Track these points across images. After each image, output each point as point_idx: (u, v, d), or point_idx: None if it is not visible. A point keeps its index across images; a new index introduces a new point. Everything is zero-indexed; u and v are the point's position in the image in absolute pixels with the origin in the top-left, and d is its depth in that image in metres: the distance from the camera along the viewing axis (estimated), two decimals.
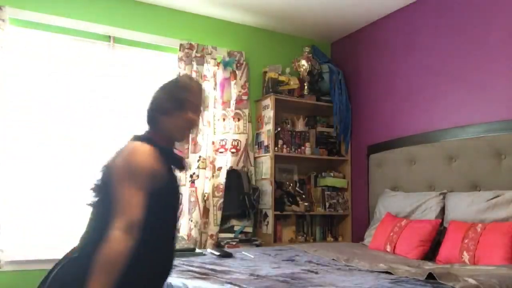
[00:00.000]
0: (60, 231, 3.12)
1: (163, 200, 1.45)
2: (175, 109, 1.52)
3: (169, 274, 1.54)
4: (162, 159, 1.45)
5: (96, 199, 1.47)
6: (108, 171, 1.45)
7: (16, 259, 2.95)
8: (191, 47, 3.59)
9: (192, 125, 1.58)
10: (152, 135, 1.54)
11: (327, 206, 3.91)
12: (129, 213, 1.32)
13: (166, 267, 1.52)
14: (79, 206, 3.22)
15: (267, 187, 3.63)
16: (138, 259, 1.34)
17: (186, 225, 3.40)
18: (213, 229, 3.46)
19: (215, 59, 3.70)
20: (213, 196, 3.52)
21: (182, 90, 1.56)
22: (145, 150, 1.43)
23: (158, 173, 1.41)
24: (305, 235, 3.91)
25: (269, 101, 3.76)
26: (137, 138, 1.53)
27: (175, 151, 1.61)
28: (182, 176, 3.46)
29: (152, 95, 1.61)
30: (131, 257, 1.30)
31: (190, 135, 1.67)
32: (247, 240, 3.47)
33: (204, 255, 2.67)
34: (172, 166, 1.56)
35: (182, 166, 1.61)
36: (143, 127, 1.59)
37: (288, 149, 3.79)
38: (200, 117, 1.66)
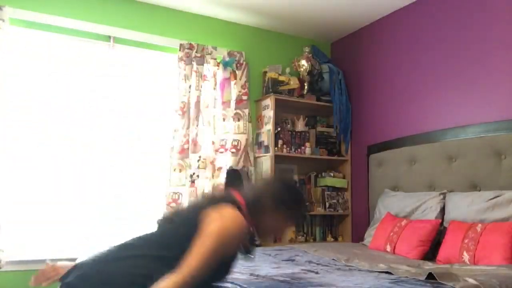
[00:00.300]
0: (60, 231, 3.12)
1: (225, 263, 1.50)
2: (286, 215, 1.61)
3: None
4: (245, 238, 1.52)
5: (168, 221, 1.55)
6: (199, 216, 1.46)
7: (16, 259, 2.95)
8: (191, 47, 3.59)
9: (280, 233, 1.69)
10: (249, 212, 1.55)
11: (327, 206, 3.91)
12: (194, 271, 1.34)
13: None
14: (79, 206, 3.22)
15: None
16: None
17: None
18: None
19: (215, 59, 3.70)
20: None
21: (302, 205, 1.66)
22: (243, 225, 1.46)
23: (238, 248, 1.50)
24: (305, 235, 3.91)
25: (269, 101, 3.76)
26: (238, 207, 1.53)
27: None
28: (182, 176, 3.46)
29: (273, 182, 1.69)
30: None
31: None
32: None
33: None
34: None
35: (250, 252, 1.67)
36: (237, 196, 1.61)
37: (288, 149, 3.79)
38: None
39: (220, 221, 1.41)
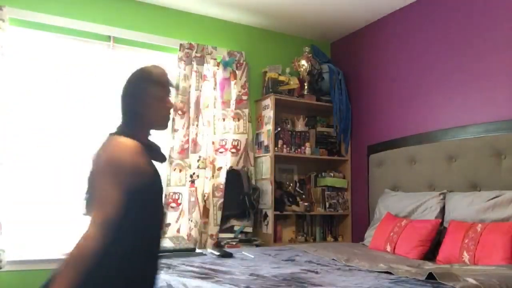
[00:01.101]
0: (61, 231, 3.12)
1: (147, 199, 1.44)
2: (155, 100, 1.55)
3: (153, 279, 1.47)
4: (145, 155, 1.46)
5: (88, 195, 1.47)
6: (93, 166, 1.45)
7: (17, 259, 2.95)
8: (191, 47, 3.59)
9: (171, 110, 1.63)
10: (133, 129, 1.53)
11: (327, 206, 3.92)
12: (105, 210, 1.32)
13: (149, 271, 1.46)
14: (80, 206, 3.21)
15: (267, 187, 3.63)
16: (118, 259, 1.33)
17: (186, 225, 3.40)
18: (213, 229, 3.46)
19: (215, 59, 3.70)
20: (213, 196, 3.52)
21: (157, 81, 1.57)
22: (130, 146, 1.42)
23: (142, 170, 1.41)
24: (305, 235, 3.91)
25: (269, 101, 3.76)
26: (120, 133, 1.51)
27: (152, 141, 1.62)
28: (182, 176, 3.46)
29: (124, 90, 1.61)
30: (109, 257, 1.30)
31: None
32: (247, 240, 3.47)
33: (204, 255, 2.67)
34: (153, 160, 1.55)
35: (163, 158, 1.62)
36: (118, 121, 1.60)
37: (288, 149, 3.79)
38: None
39: (105, 157, 1.40)
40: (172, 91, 1.66)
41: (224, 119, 3.70)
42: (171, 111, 1.63)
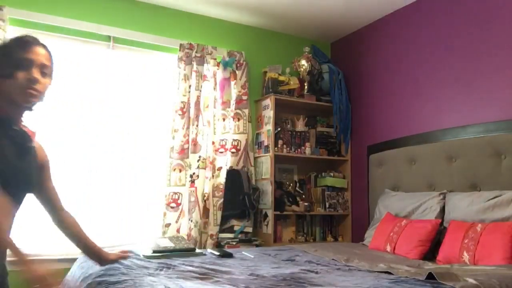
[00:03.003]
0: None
1: None
2: (14, 69, 1.41)
3: None
4: None
5: None
6: None
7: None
8: (191, 47, 3.59)
9: (38, 86, 1.46)
10: None
11: (327, 206, 3.92)
12: None
13: None
14: (79, 206, 3.22)
15: (267, 187, 3.63)
16: None
17: (186, 225, 3.40)
18: (213, 229, 3.46)
19: (215, 59, 3.70)
20: (213, 196, 3.52)
21: (21, 48, 1.48)
22: None
23: None
24: (305, 235, 3.91)
25: (269, 101, 3.76)
26: None
27: (23, 125, 1.51)
28: (182, 176, 3.46)
29: None
30: None
31: (36, 96, 1.54)
32: (247, 240, 3.47)
33: (204, 255, 2.67)
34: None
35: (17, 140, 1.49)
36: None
37: (288, 149, 3.79)
38: (50, 83, 1.58)
39: None
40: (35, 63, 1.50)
41: (224, 119, 3.70)
42: (31, 83, 1.45)
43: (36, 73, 1.44)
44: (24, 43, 1.49)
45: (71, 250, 3.07)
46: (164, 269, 2.09)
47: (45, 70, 1.50)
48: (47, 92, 1.53)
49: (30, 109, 1.52)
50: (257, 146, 3.85)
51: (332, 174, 4.03)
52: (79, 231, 1.74)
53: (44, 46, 1.55)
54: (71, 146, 3.26)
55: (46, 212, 1.74)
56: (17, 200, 1.50)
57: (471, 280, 1.73)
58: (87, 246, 1.73)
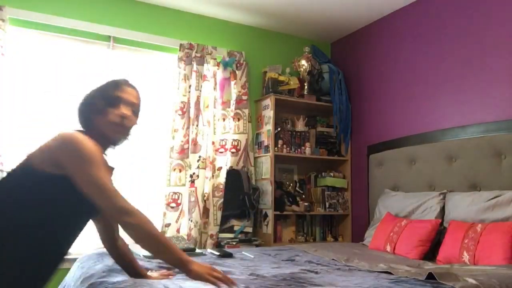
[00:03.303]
0: None
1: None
2: (107, 105, 1.53)
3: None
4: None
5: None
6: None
7: None
8: (191, 47, 3.59)
9: (124, 121, 1.56)
10: (87, 135, 1.50)
11: (327, 206, 3.92)
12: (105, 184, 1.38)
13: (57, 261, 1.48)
14: None
15: (267, 187, 3.64)
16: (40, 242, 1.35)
17: (186, 225, 3.40)
18: (213, 229, 3.46)
19: (215, 59, 3.70)
20: (213, 196, 3.52)
21: (114, 87, 1.57)
22: (87, 139, 1.44)
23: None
24: (305, 235, 3.91)
25: (269, 101, 3.76)
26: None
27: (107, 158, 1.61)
28: (182, 176, 3.46)
29: (84, 96, 1.61)
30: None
31: (127, 138, 1.68)
32: (247, 240, 3.47)
33: (204, 255, 2.67)
34: None
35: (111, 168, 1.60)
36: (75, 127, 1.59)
37: (288, 149, 3.79)
38: (136, 122, 1.70)
39: (68, 149, 1.40)
40: (135, 107, 1.63)
41: (224, 119, 3.70)
42: (124, 122, 1.57)
43: (124, 110, 1.55)
44: (116, 83, 1.59)
45: (71, 250, 3.08)
46: (164, 269, 2.08)
47: (134, 109, 1.62)
48: (133, 130, 1.66)
49: (114, 145, 1.63)
50: (257, 146, 3.85)
51: (332, 174, 4.03)
52: (131, 260, 1.76)
53: (134, 87, 1.67)
54: None
55: (101, 240, 1.74)
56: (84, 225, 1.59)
57: (471, 280, 1.73)
58: (136, 273, 1.75)
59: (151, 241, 1.37)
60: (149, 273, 1.86)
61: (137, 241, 1.38)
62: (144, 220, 1.37)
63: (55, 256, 1.46)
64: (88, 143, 1.41)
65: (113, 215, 1.37)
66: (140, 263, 2.05)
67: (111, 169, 1.60)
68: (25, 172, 1.41)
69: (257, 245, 3.46)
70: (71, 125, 1.62)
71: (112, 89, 1.57)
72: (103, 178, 1.38)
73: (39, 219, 1.36)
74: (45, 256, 1.41)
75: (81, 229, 1.56)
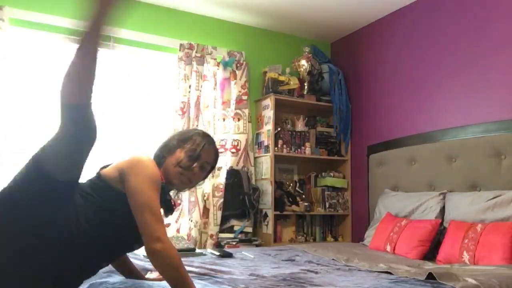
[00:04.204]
0: None
1: None
2: (185, 158, 1.56)
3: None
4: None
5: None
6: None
7: None
8: (191, 47, 3.59)
9: (193, 179, 1.59)
10: (159, 163, 1.56)
11: (327, 206, 3.91)
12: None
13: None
14: None
15: (267, 187, 3.63)
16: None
17: (186, 225, 3.40)
18: (213, 229, 3.46)
19: (215, 59, 3.70)
20: (213, 196, 3.52)
21: (198, 144, 1.59)
22: (155, 165, 1.48)
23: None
24: (305, 235, 3.91)
25: (269, 101, 3.76)
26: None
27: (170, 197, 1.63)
28: None
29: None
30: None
31: (188, 190, 1.79)
32: (247, 240, 3.47)
33: (204, 255, 2.66)
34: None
35: (170, 210, 1.62)
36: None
37: (288, 149, 3.79)
38: (202, 180, 1.72)
39: (137, 164, 1.44)
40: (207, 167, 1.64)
41: (224, 119, 3.70)
42: (192, 178, 1.60)
43: (197, 169, 1.57)
44: (201, 141, 1.61)
45: None
46: None
47: (207, 169, 1.65)
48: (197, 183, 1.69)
49: (175, 189, 1.68)
50: (257, 146, 3.85)
51: (332, 174, 4.03)
52: (131, 268, 1.77)
53: (216, 148, 1.69)
54: None
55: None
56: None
57: (471, 280, 1.73)
58: (133, 275, 1.75)
59: (173, 274, 1.35)
60: (148, 274, 1.85)
61: (158, 269, 1.38)
62: (173, 254, 1.34)
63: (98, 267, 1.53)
64: (154, 167, 1.45)
65: (147, 239, 1.34)
66: (140, 263, 2.05)
67: (168, 209, 1.61)
68: (102, 187, 1.47)
69: (257, 245, 3.46)
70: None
71: (195, 144, 1.59)
72: (154, 198, 1.38)
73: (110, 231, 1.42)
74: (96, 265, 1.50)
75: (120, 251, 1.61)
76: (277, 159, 3.75)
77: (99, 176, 1.50)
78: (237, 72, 3.78)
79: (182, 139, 1.60)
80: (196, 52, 3.60)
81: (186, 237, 3.31)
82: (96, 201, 1.41)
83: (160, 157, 1.59)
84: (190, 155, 1.56)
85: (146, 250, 1.35)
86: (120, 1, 1.19)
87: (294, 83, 3.88)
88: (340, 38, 4.31)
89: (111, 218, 1.41)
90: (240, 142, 3.69)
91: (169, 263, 1.34)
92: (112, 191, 1.43)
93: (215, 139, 3.68)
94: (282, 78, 3.84)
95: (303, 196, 3.94)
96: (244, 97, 3.77)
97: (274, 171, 3.66)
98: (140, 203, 1.36)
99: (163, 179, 1.52)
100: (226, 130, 3.69)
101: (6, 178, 2.94)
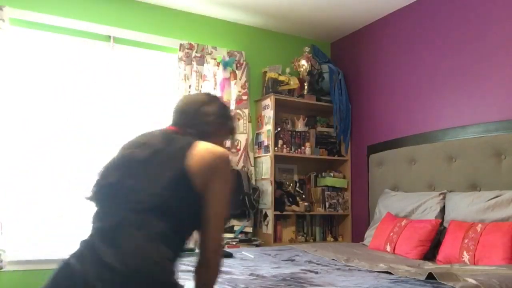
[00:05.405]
0: (62, 231, 3.12)
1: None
2: (222, 135, 1.59)
3: None
4: None
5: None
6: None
7: (18, 259, 2.96)
8: (191, 47, 3.59)
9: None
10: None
11: (327, 206, 3.92)
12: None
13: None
14: (81, 206, 3.22)
15: (267, 187, 3.63)
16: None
17: None
18: None
19: (215, 59, 3.70)
20: None
21: (232, 119, 1.63)
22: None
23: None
24: (305, 235, 3.91)
25: (269, 101, 3.76)
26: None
27: None
28: None
29: (202, 111, 1.56)
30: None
31: None
32: (247, 240, 3.48)
33: None
34: None
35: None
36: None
37: (288, 149, 3.79)
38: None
39: (223, 162, 1.44)
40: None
41: None
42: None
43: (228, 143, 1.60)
44: (233, 118, 1.67)
45: (68, 250, 3.07)
46: None
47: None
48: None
49: None
50: (257, 146, 3.85)
51: (332, 174, 4.03)
52: None
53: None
54: (71, 145, 3.25)
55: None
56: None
57: (471, 280, 1.73)
58: None
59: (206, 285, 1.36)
60: None
61: (205, 280, 1.38)
62: (218, 271, 1.36)
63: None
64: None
65: (209, 246, 1.35)
66: None
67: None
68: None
69: (257, 245, 3.46)
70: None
71: (231, 119, 1.62)
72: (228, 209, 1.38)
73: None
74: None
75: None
76: (277, 159, 3.75)
77: (183, 170, 1.37)
78: (237, 72, 3.78)
79: (219, 120, 1.58)
80: (196, 52, 3.60)
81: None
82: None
83: (207, 135, 1.51)
84: (230, 131, 1.61)
85: (206, 259, 1.34)
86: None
87: (294, 83, 3.88)
88: (340, 38, 4.31)
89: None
90: (240, 142, 3.69)
91: (215, 276, 1.36)
92: (191, 191, 1.39)
93: None
94: (282, 78, 3.84)
95: (303, 196, 3.94)
96: (244, 97, 3.77)
97: (274, 171, 3.66)
98: (219, 215, 1.39)
99: None
100: None
101: (5, 178, 2.95)
